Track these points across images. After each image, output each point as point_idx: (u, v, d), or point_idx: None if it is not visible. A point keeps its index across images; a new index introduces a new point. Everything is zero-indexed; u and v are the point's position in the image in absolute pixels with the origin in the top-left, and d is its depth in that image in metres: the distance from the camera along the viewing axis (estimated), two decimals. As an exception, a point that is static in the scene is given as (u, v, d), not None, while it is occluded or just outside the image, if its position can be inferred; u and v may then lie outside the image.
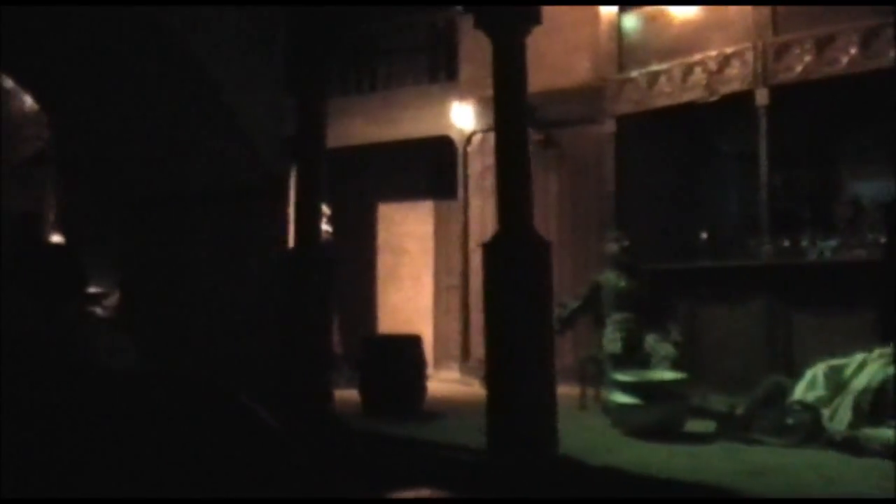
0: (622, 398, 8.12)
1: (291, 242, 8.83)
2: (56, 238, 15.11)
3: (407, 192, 13.48)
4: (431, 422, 9.02)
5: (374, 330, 13.11)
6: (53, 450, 2.32)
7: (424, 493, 6.72)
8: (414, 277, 13.51)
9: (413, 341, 9.42)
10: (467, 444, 7.84)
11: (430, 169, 13.30)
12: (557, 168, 11.75)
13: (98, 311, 15.77)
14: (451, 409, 9.62)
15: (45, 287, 3.44)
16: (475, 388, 11.40)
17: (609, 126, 11.32)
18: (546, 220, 11.73)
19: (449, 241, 13.16)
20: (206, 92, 8.39)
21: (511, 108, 7.38)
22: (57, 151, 18.50)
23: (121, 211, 10.16)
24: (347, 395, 9.54)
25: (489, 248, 7.39)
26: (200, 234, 9.15)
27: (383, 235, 13.75)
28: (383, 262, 13.62)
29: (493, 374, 7.21)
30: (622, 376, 8.28)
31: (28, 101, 20.65)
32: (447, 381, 11.82)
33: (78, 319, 3.48)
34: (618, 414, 8.21)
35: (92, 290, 16.29)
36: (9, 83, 20.79)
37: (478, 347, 11.86)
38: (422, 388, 9.30)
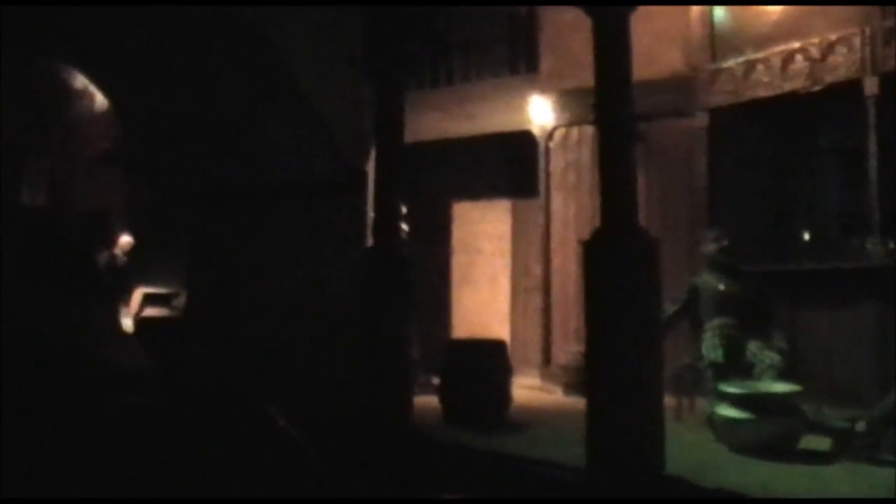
0: (731, 411, 7.36)
1: (370, 240, 8.24)
2: (127, 238, 14.75)
3: (483, 189, 12.82)
4: (518, 433, 8.34)
5: (447, 333, 12.46)
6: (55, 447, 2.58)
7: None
8: (490, 279, 12.84)
9: (498, 346, 8.76)
10: (561, 460, 7.17)
11: (507, 166, 12.63)
12: (644, 164, 10.96)
13: (166, 311, 15.38)
14: (536, 418, 8.94)
15: (53, 285, 3.62)
16: (558, 396, 10.71)
17: (701, 119, 10.54)
18: (633, 218, 11.01)
19: (527, 241, 12.47)
20: (282, 82, 7.83)
21: (615, 94, 6.68)
22: (125, 151, 18.24)
23: (191, 208, 9.65)
24: (424, 401, 8.90)
25: (591, 246, 6.68)
26: (274, 231, 8.59)
27: (458, 235, 13.10)
28: (458, 262, 12.97)
29: (595, 382, 6.52)
30: (730, 387, 7.51)
31: (97, 100, 20.43)
32: (527, 388, 11.10)
33: (88, 318, 3.70)
34: (725, 428, 7.45)
35: (159, 290, 15.93)
36: (78, 83, 20.63)
37: (559, 353, 11.17)
38: (507, 397, 8.64)
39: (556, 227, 11.48)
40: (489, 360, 8.50)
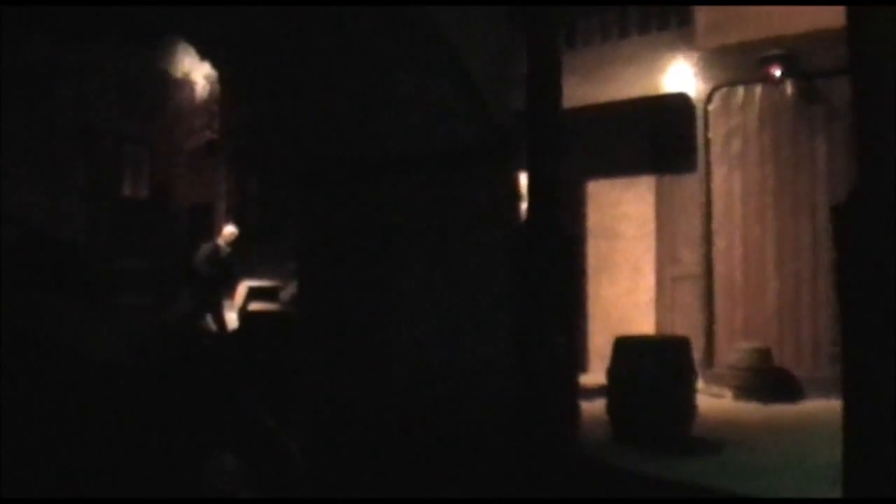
0: None
1: (525, 219, 6.42)
2: (231, 229, 13.30)
3: (622, 166, 10.85)
4: (709, 455, 6.43)
5: (583, 328, 10.52)
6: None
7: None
8: (631, 267, 10.88)
9: (680, 345, 6.83)
10: (782, 495, 5.26)
11: (651, 137, 10.63)
12: (826, 127, 8.91)
13: (272, 306, 13.86)
14: (723, 434, 6.99)
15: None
16: (727, 402, 8.73)
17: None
18: (813, 189, 8.94)
19: (675, 223, 10.48)
20: (418, 29, 6.06)
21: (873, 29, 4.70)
22: (230, 140, 16.89)
23: (304, 191, 7.96)
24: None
25: (847, 213, 4.70)
26: (403, 212, 6.81)
27: (594, 218, 11.15)
28: (594, 248, 11.01)
29: (856, 388, 4.54)
30: None
31: (197, 90, 19.20)
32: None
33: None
34: None
35: (263, 283, 14.46)
36: (178, 73, 19.41)
37: (726, 351, 9.17)
38: (691, 409, 6.71)
39: (717, 205, 9.48)
40: (670, 362, 6.58)
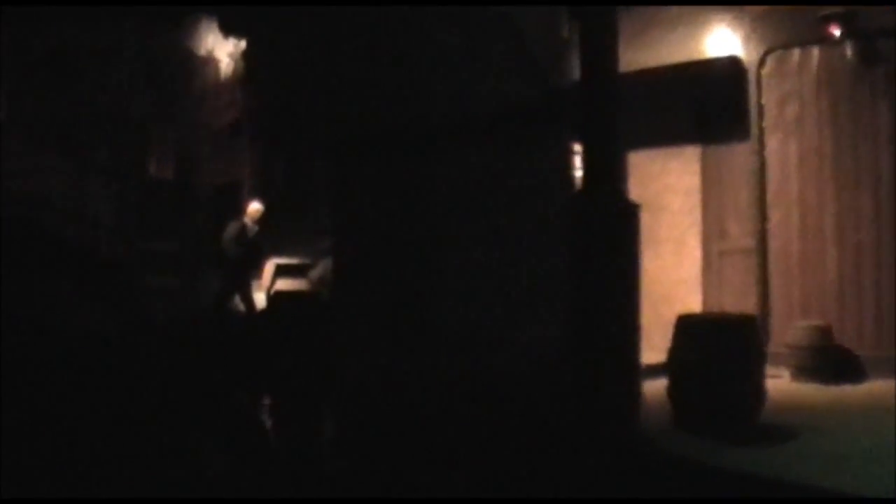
0: None
1: (580, 186, 5.78)
2: (257, 206, 12.75)
3: (665, 135, 10.17)
4: (781, 444, 5.81)
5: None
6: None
7: None
8: (676, 241, 10.22)
9: (747, 324, 6.20)
10: (871, 493, 4.66)
11: (696, 104, 9.93)
12: (888, 90, 8.21)
13: (301, 284, 13.32)
14: (792, 419, 6.36)
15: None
16: (784, 382, 8.09)
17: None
18: (875, 156, 8.25)
19: (722, 194, 9.82)
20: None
21: None
22: (256, 117, 16.31)
23: (336, 162, 7.36)
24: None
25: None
26: (451, 180, 6.19)
27: (636, 190, 10.40)
28: (637, 222, 10.35)
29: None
30: None
31: (222, 69, 18.62)
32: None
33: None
34: None
35: (290, 261, 13.92)
36: (202, 52, 18.83)
37: (783, 329, 8.53)
38: (761, 393, 6.09)
39: (772, 175, 8.82)
40: (737, 343, 5.95)
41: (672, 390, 6.14)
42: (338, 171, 7.49)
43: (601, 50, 5.73)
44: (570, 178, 5.94)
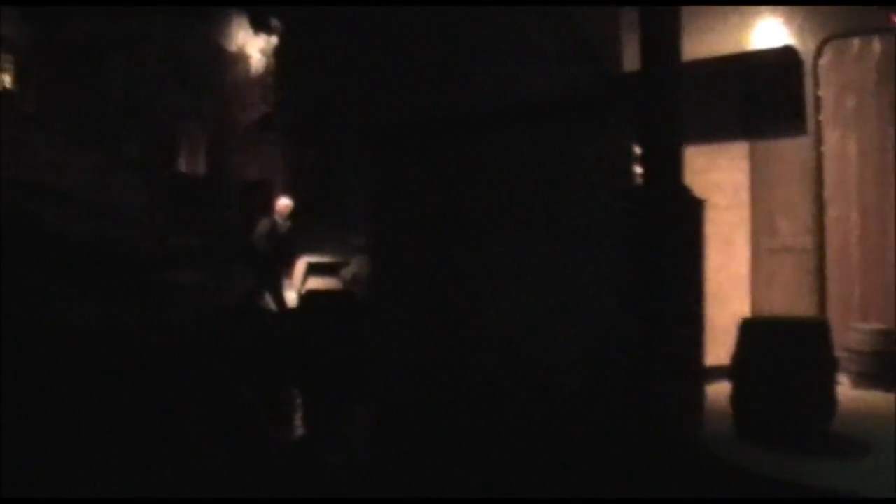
0: None
1: (637, 180, 5.34)
2: (286, 201, 12.40)
3: (712, 129, 9.65)
4: (853, 457, 5.33)
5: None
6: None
7: None
8: (723, 239, 9.69)
9: (817, 328, 5.72)
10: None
11: (745, 97, 9.43)
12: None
13: (333, 283, 12.95)
14: (859, 429, 5.87)
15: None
16: (847, 389, 7.57)
17: None
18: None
19: (772, 190, 9.30)
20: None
21: None
22: (284, 114, 16.00)
23: (373, 154, 6.95)
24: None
25: None
26: (497, 169, 5.76)
27: (681, 187, 10.00)
28: (682, 220, 9.87)
29: None
30: None
31: (252, 65, 18.33)
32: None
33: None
34: None
35: (322, 259, 13.55)
36: (232, 48, 18.54)
37: (843, 331, 8.00)
38: (831, 402, 5.61)
39: (829, 170, 8.31)
40: (808, 349, 5.48)
41: (735, 397, 5.67)
42: (376, 163, 7.07)
43: (663, 35, 5.29)
44: (626, 170, 5.48)
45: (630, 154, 5.43)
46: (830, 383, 5.61)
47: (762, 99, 9.19)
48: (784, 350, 5.42)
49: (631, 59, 5.86)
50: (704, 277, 5.36)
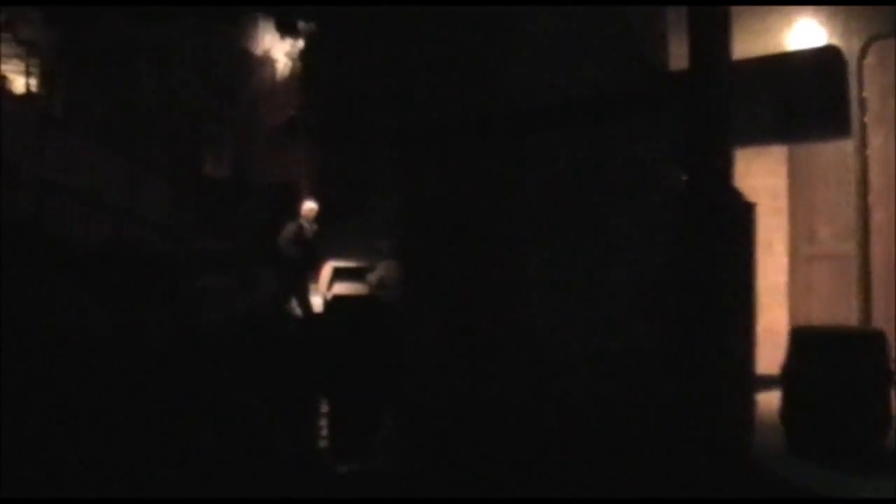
0: None
1: (684, 180, 5.09)
2: (311, 204, 12.23)
3: (750, 133, 9.34)
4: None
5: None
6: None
7: None
8: (761, 246, 9.33)
9: (874, 339, 5.44)
10: None
11: (784, 99, 9.15)
12: None
13: (360, 288, 12.74)
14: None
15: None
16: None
17: None
18: None
19: (812, 195, 9.01)
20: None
21: None
22: (310, 117, 15.85)
23: (404, 155, 6.74)
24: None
25: None
26: (538, 171, 5.52)
27: (717, 192, 9.71)
28: (717, 225, 9.58)
29: None
30: None
31: (278, 68, 18.21)
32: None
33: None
34: None
35: (349, 263, 13.36)
36: (258, 51, 18.43)
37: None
38: (889, 416, 5.31)
39: (874, 174, 7.99)
40: (863, 360, 5.20)
41: (786, 410, 5.40)
42: (407, 164, 6.86)
43: (712, 33, 5.06)
44: (674, 171, 5.23)
45: (678, 156, 5.18)
46: (887, 397, 5.32)
47: (804, 100, 8.90)
48: (839, 361, 5.14)
49: (676, 58, 5.62)
50: (756, 283, 5.09)
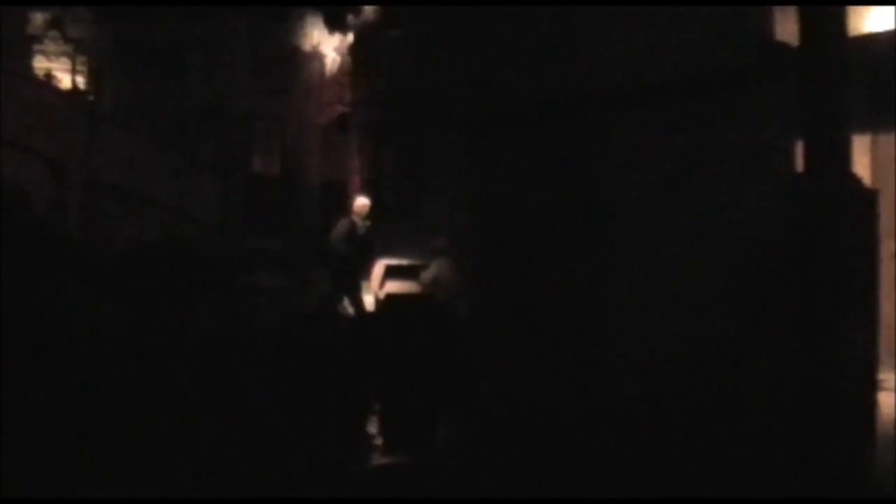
0: None
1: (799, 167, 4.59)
2: (363, 200, 11.85)
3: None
4: None
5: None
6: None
7: None
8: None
9: None
10: None
11: (868, 87, 8.56)
12: None
13: (412, 287, 12.34)
14: None
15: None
16: None
17: None
18: None
19: (897, 188, 8.41)
20: None
21: None
22: (361, 113, 15.53)
23: (474, 145, 6.30)
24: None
25: None
26: (625, 159, 5.05)
27: (794, 184, 9.15)
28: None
29: None
30: None
31: (328, 64, 17.92)
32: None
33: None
34: None
35: (401, 262, 12.98)
36: (307, 47, 18.16)
37: None
38: None
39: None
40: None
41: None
42: (477, 155, 6.41)
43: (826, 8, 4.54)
44: (782, 157, 4.73)
45: (789, 138, 4.68)
46: None
47: (889, 88, 8.31)
48: None
49: (782, 32, 5.12)
50: (880, 279, 4.58)
